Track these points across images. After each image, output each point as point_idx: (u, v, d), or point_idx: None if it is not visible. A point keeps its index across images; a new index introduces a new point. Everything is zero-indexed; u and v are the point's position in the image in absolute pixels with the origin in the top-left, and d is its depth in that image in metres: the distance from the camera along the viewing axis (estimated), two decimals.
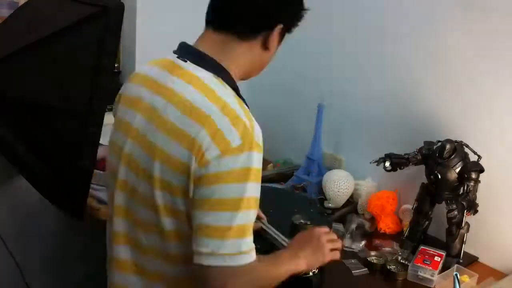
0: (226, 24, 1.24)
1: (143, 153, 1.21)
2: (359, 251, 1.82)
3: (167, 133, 1.17)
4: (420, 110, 1.98)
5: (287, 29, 1.30)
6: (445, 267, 1.74)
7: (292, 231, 1.66)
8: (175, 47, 1.21)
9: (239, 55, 1.25)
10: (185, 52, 1.26)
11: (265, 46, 1.26)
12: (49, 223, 2.23)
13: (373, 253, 1.81)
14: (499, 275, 1.78)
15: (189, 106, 1.16)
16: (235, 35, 1.23)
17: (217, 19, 1.26)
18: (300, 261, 1.34)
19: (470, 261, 1.84)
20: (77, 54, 1.64)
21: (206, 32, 1.27)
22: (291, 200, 1.85)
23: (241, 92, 1.24)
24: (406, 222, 1.96)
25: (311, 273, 1.51)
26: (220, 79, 1.21)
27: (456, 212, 1.75)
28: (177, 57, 1.25)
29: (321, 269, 1.61)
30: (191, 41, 1.27)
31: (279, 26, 1.26)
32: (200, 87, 1.18)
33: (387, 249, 1.86)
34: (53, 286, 2.28)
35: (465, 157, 1.76)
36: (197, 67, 1.22)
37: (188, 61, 1.23)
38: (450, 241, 1.80)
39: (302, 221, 1.69)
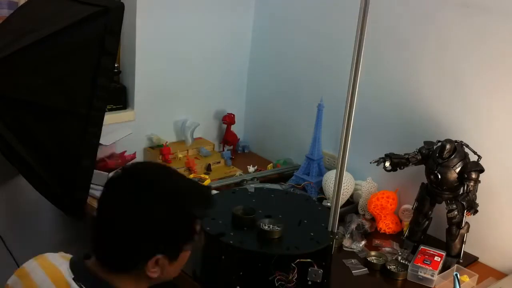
0: (101, 260, 1.16)
1: None
2: (359, 251, 1.82)
3: None
4: (420, 110, 1.98)
5: (173, 253, 1.13)
6: (445, 267, 1.75)
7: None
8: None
9: (130, 280, 1.14)
10: (82, 276, 1.14)
11: (147, 276, 1.12)
12: (49, 223, 2.23)
13: (373, 253, 1.81)
14: (499, 275, 1.78)
15: None
16: (113, 270, 1.14)
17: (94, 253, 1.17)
18: None
19: (470, 261, 1.84)
20: (77, 54, 1.64)
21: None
22: (291, 200, 1.84)
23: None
24: (406, 222, 1.96)
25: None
26: None
27: (456, 212, 1.75)
28: (73, 279, 1.13)
29: (322, 269, 1.61)
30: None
31: (156, 257, 1.10)
32: None
33: (387, 249, 1.86)
34: None
35: (465, 157, 1.76)
36: None
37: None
38: (450, 241, 1.80)
39: (271, 225, 1.60)
